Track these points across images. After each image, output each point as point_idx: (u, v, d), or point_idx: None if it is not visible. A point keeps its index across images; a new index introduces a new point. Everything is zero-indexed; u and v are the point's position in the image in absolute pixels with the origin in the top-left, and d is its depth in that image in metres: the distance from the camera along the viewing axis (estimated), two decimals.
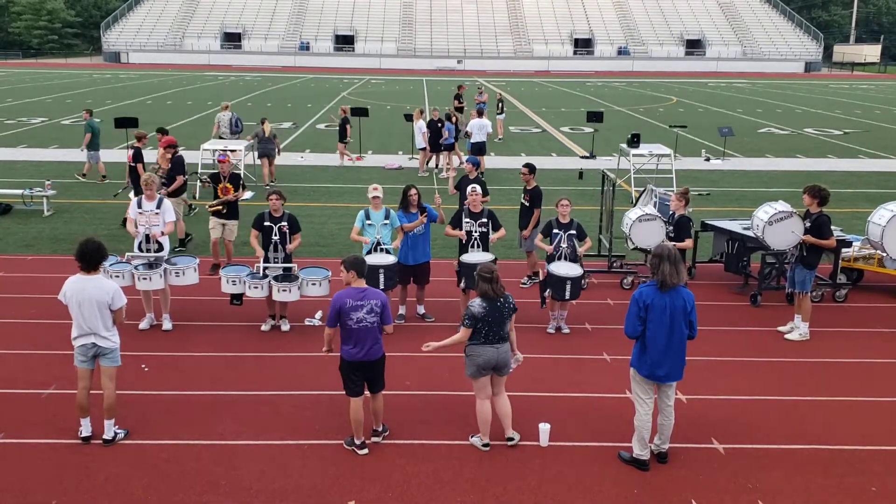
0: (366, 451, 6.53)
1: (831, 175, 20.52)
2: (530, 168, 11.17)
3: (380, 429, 6.78)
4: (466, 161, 11.40)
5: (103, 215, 15.19)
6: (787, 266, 10.16)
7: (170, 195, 12.51)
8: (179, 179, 12.83)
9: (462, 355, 6.74)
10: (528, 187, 11.13)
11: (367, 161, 22.10)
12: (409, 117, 23.61)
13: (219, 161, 11.20)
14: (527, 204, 11.09)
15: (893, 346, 9.28)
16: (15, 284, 11.03)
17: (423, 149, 19.92)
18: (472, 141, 19.39)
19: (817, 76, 74.76)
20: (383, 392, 6.75)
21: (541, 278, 9.42)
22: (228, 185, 11.16)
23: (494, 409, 6.75)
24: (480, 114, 20.26)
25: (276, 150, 18.57)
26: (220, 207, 11.16)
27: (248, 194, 15.13)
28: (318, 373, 8.08)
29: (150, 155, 15.00)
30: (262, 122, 18.61)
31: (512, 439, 6.75)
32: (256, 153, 18.79)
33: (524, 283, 11.32)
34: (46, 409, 7.26)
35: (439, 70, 72.91)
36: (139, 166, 14.17)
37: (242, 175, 17.29)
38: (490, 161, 21.43)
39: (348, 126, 21.03)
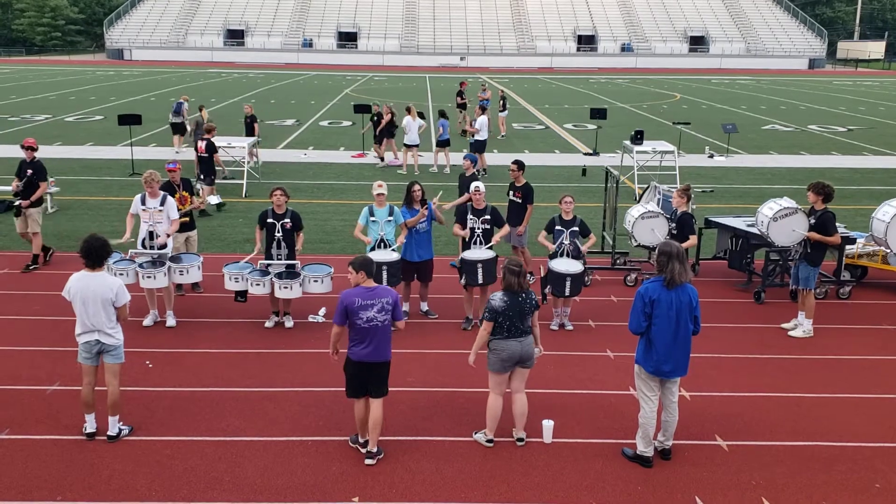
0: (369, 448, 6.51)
1: (835, 172, 20.47)
2: (519, 165, 11.16)
3: (374, 450, 6.39)
4: (464, 158, 11.39)
5: (107, 212, 15.22)
6: (791, 263, 10.15)
7: (32, 204, 11.49)
8: (43, 186, 11.76)
9: (466, 352, 6.75)
10: (518, 184, 11.11)
11: (370, 158, 22.08)
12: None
13: (168, 170, 10.18)
14: (518, 201, 11.07)
15: None
16: (19, 281, 11.05)
17: (416, 145, 19.92)
18: (477, 138, 19.36)
19: (821, 73, 74.57)
20: (389, 389, 6.68)
21: (542, 274, 9.42)
22: (185, 192, 10.30)
23: (509, 407, 6.70)
24: (483, 110, 20.24)
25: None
26: (186, 218, 10.23)
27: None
28: (322, 369, 8.09)
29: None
30: (201, 110, 19.78)
31: (521, 440, 6.71)
32: (194, 139, 19.81)
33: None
34: (50, 406, 7.27)
35: (442, 67, 72.84)
36: (216, 156, 15.78)
37: (246, 172, 17.46)
38: (492, 158, 21.41)
39: (256, 124, 20.21)
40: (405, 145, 19.96)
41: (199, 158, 15.95)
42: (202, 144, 15.80)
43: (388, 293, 6.36)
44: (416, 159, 20.07)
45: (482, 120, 19.42)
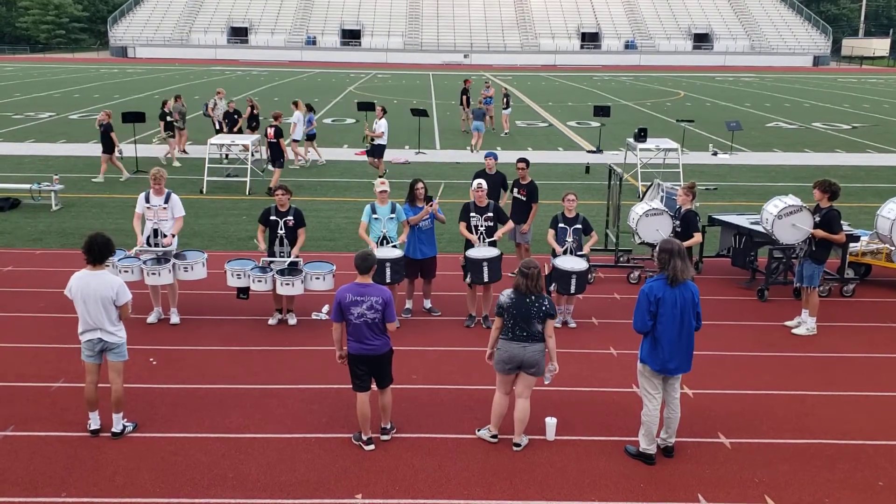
0: (372, 446, 6.54)
1: (839, 169, 20.42)
2: (527, 163, 11.16)
3: (388, 426, 6.75)
4: (486, 156, 11.38)
5: (111, 209, 15.25)
6: (794, 261, 10.13)
7: None
8: None
9: (469, 349, 6.77)
10: (524, 182, 11.09)
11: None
12: (415, 112, 23.63)
13: None
14: (522, 198, 11.06)
15: None
16: (23, 278, 11.08)
17: (296, 140, 20.10)
18: (378, 142, 18.98)
19: (826, 70, 74.34)
20: (392, 387, 6.74)
21: (546, 272, 9.42)
22: None
23: (511, 409, 6.68)
24: (384, 111, 19.90)
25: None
26: None
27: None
28: (325, 366, 8.10)
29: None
30: (177, 99, 21.14)
31: (518, 445, 6.63)
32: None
33: None
34: (55, 403, 7.30)
35: (446, 64, 72.78)
36: (281, 141, 16.99)
37: (249, 170, 17.46)
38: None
39: (112, 133, 17.55)
40: (293, 140, 20.10)
41: (269, 144, 17.13)
42: (271, 130, 16.88)
43: (381, 293, 6.43)
44: (296, 155, 20.25)
45: (382, 123, 19.08)
